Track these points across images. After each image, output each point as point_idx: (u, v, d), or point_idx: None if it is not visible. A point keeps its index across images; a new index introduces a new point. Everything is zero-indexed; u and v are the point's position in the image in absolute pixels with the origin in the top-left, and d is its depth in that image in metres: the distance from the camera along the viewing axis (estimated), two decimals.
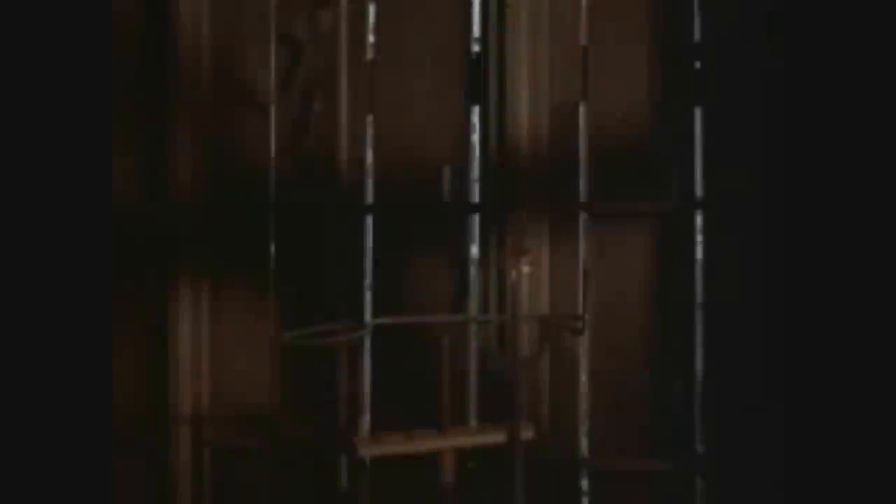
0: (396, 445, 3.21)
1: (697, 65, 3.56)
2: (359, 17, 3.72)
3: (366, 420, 3.80)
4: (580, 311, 3.53)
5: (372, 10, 3.74)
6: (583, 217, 3.61)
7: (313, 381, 3.70)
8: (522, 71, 3.56)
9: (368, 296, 3.76)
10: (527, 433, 3.20)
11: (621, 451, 3.58)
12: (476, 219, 3.69)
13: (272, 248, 3.76)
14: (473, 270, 3.66)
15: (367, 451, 3.23)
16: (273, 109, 3.75)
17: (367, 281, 3.76)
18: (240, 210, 3.74)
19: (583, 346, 3.59)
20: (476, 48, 3.68)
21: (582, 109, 3.62)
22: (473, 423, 3.58)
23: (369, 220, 3.76)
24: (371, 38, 3.74)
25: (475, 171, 3.68)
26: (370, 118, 3.74)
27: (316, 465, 3.71)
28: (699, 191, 3.55)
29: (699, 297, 3.55)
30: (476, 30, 3.70)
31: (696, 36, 3.55)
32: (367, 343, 3.70)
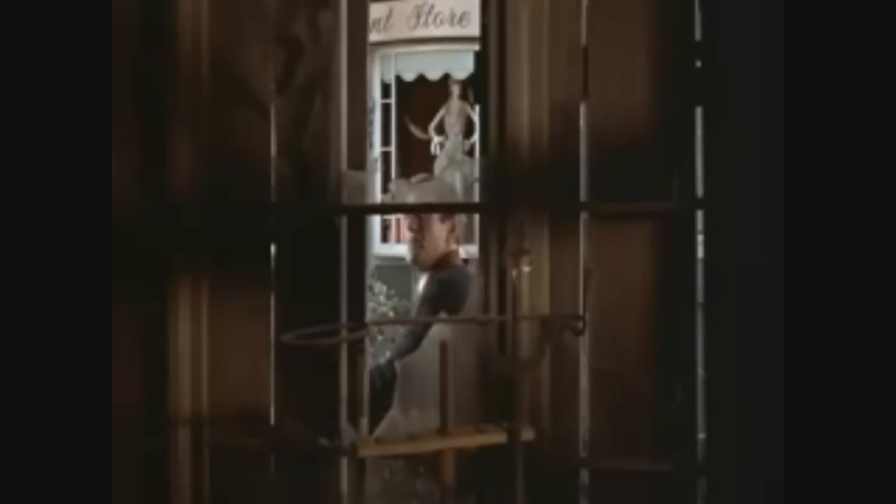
0: (396, 446, 3.21)
1: (698, 64, 3.55)
2: (359, 17, 3.72)
3: (365, 421, 3.80)
4: (580, 311, 3.53)
5: (372, 9, 3.74)
6: (583, 217, 3.61)
7: (313, 382, 3.69)
8: (522, 71, 3.55)
9: (368, 296, 3.76)
10: (527, 434, 3.20)
11: (621, 452, 3.57)
12: (476, 219, 3.69)
13: (272, 248, 3.76)
14: (473, 270, 3.66)
15: (367, 452, 3.23)
16: (273, 109, 3.74)
17: (368, 281, 3.76)
18: (239, 210, 3.73)
19: (583, 346, 3.59)
20: (476, 48, 3.68)
21: (582, 109, 3.62)
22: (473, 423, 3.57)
23: (368, 220, 3.76)
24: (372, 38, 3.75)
25: (475, 171, 3.68)
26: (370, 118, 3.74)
27: (316, 465, 3.71)
28: (699, 191, 3.54)
29: (699, 297, 3.54)
30: (476, 30, 3.70)
31: (697, 35, 3.55)
32: (367, 343, 3.70)
